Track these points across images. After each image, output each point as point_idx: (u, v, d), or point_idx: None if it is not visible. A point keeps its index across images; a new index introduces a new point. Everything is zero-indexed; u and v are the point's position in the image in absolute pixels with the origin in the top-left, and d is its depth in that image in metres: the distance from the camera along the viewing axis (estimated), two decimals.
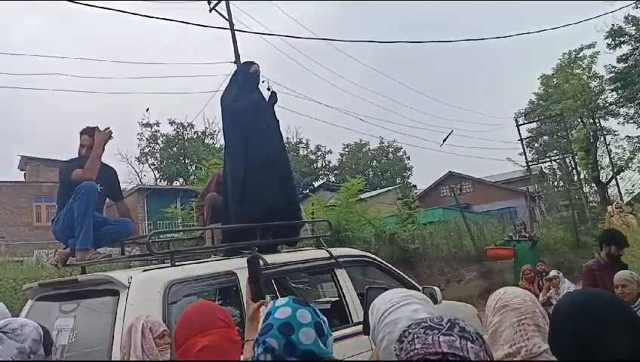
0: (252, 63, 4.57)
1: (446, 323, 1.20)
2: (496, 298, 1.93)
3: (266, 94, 4.49)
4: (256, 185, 4.11)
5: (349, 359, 3.24)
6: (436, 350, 1.13)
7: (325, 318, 1.54)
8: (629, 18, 29.73)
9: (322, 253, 4.08)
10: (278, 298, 1.98)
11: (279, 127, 4.52)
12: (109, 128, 4.06)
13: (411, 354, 1.18)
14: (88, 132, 4.06)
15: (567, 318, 1.38)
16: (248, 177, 4.13)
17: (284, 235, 4.21)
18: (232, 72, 4.59)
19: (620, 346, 1.24)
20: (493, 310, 1.89)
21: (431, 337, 1.17)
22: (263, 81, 4.48)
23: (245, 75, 4.46)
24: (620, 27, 30.43)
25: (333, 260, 4.01)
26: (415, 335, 1.21)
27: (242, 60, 13.27)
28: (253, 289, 2.12)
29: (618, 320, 1.29)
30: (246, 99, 4.28)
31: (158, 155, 37.03)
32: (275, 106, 4.56)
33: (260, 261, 2.10)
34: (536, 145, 37.03)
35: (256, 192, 4.10)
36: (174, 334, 1.77)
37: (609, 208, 10.74)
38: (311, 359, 1.42)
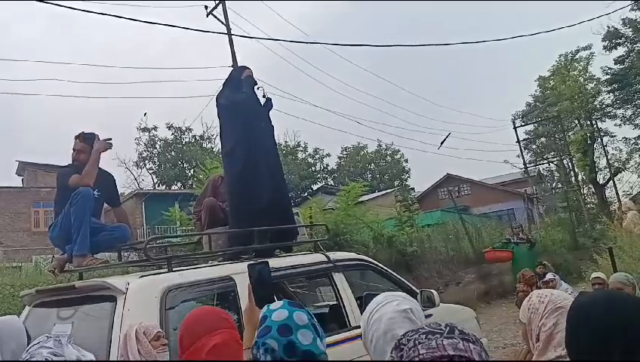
0: (245, 68, 4.61)
1: (445, 327, 1.23)
2: (545, 300, 1.90)
3: (262, 100, 4.51)
4: (250, 189, 4.12)
5: None
6: (442, 353, 1.15)
7: (316, 322, 1.56)
8: (625, 20, 29.88)
9: (320, 257, 4.07)
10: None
11: (274, 133, 4.54)
12: (110, 139, 4.09)
13: (416, 359, 1.19)
14: (79, 136, 4.08)
15: (594, 318, 1.28)
16: (243, 180, 4.15)
17: (280, 240, 4.21)
18: (226, 77, 4.61)
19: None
20: (545, 312, 1.88)
21: (434, 341, 1.19)
22: (258, 87, 4.50)
23: (238, 80, 4.48)
24: (616, 29, 30.56)
25: (330, 264, 4.01)
26: (417, 341, 1.21)
27: (239, 64, 13.32)
28: (257, 295, 2.09)
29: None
30: (240, 95, 4.32)
31: (156, 160, 37.02)
32: (273, 108, 4.58)
33: (262, 266, 2.08)
34: (533, 147, 37.17)
35: (250, 196, 4.11)
36: (179, 338, 1.79)
37: (625, 206, 10.73)
38: (310, 359, 1.44)
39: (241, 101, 4.30)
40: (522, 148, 28.77)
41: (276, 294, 4.02)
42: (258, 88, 4.48)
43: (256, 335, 1.48)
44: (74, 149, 4.06)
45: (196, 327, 1.70)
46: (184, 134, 37.47)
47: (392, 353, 1.30)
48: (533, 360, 2.42)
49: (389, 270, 4.70)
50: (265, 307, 1.57)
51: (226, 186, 4.53)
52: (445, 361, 1.14)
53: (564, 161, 31.88)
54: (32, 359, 1.71)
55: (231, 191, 4.34)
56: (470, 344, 1.18)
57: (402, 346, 1.24)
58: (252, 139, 4.20)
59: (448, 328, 1.22)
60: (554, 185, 37.22)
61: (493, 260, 12.39)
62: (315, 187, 39.25)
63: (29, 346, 1.78)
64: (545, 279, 6.79)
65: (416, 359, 1.18)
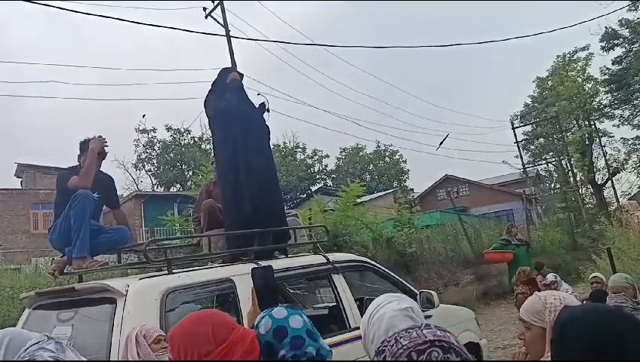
0: (231, 71, 4.57)
1: (420, 324, 1.39)
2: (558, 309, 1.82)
3: (254, 102, 4.48)
4: (237, 194, 4.12)
5: None
6: (424, 340, 1.29)
7: None
8: (623, 21, 29.92)
9: (319, 259, 4.07)
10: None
11: (268, 135, 4.50)
12: (100, 136, 4.08)
13: (400, 351, 1.29)
14: (82, 148, 4.08)
15: (586, 333, 1.21)
16: (231, 186, 4.16)
17: (275, 242, 4.20)
18: (215, 78, 4.56)
19: None
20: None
21: (414, 332, 1.33)
22: (258, 94, 4.48)
23: (223, 84, 4.44)
24: (614, 30, 30.60)
25: (330, 265, 4.01)
26: (397, 337, 1.34)
27: (238, 65, 13.30)
28: (261, 299, 2.07)
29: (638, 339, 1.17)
30: (223, 102, 4.31)
31: (154, 161, 36.98)
32: (271, 110, 4.55)
33: (266, 270, 2.07)
34: (532, 147, 37.18)
35: (237, 201, 4.11)
36: (206, 332, 1.74)
37: (630, 208, 10.76)
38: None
39: (223, 109, 4.29)
40: (521, 149, 28.81)
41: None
42: (258, 94, 4.46)
43: (288, 345, 1.47)
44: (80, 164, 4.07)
45: (226, 320, 1.63)
46: (183, 136, 37.46)
47: (374, 358, 1.41)
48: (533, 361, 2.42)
49: (388, 271, 4.70)
50: (267, 317, 1.54)
51: (219, 191, 4.54)
52: (427, 346, 1.27)
53: (563, 162, 31.90)
54: (34, 359, 1.69)
55: (222, 197, 4.35)
56: (446, 332, 1.34)
57: (383, 348, 1.36)
58: (237, 144, 4.18)
59: (423, 325, 1.38)
60: (552, 185, 37.24)
61: (493, 261, 12.37)
62: (314, 188, 39.22)
63: (28, 345, 1.76)
64: (547, 282, 6.76)
65: (401, 351, 1.29)
